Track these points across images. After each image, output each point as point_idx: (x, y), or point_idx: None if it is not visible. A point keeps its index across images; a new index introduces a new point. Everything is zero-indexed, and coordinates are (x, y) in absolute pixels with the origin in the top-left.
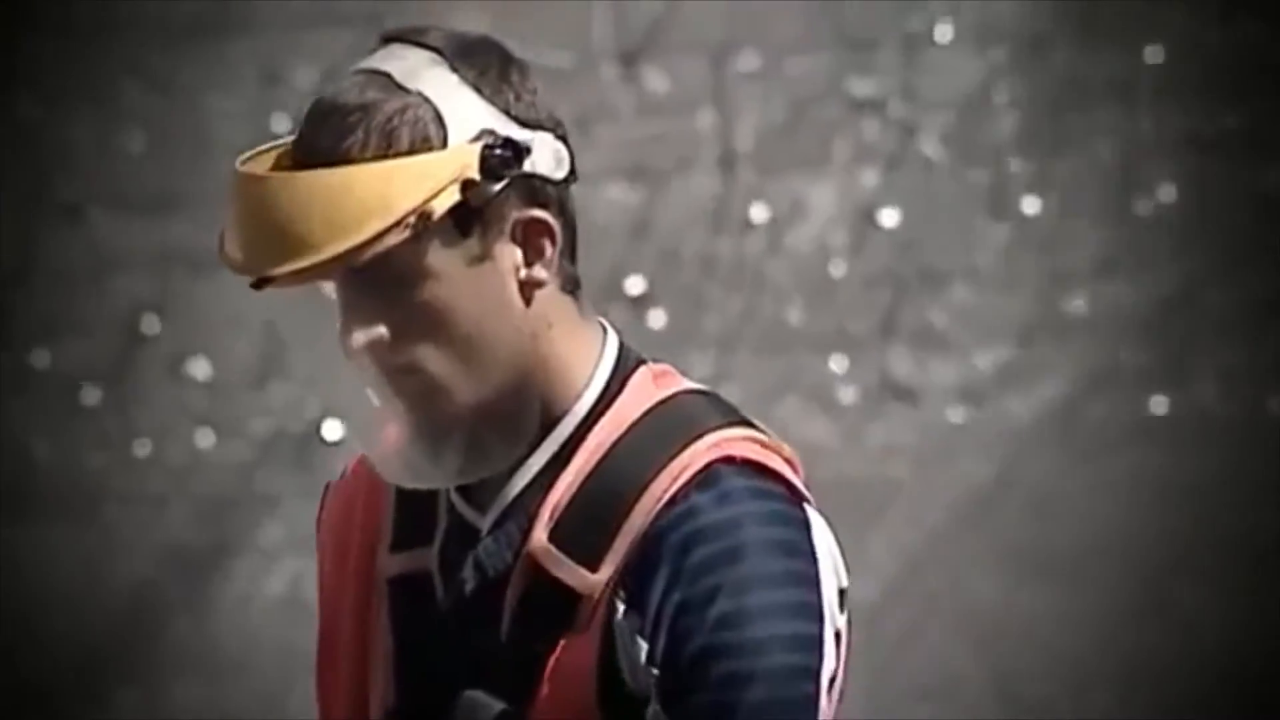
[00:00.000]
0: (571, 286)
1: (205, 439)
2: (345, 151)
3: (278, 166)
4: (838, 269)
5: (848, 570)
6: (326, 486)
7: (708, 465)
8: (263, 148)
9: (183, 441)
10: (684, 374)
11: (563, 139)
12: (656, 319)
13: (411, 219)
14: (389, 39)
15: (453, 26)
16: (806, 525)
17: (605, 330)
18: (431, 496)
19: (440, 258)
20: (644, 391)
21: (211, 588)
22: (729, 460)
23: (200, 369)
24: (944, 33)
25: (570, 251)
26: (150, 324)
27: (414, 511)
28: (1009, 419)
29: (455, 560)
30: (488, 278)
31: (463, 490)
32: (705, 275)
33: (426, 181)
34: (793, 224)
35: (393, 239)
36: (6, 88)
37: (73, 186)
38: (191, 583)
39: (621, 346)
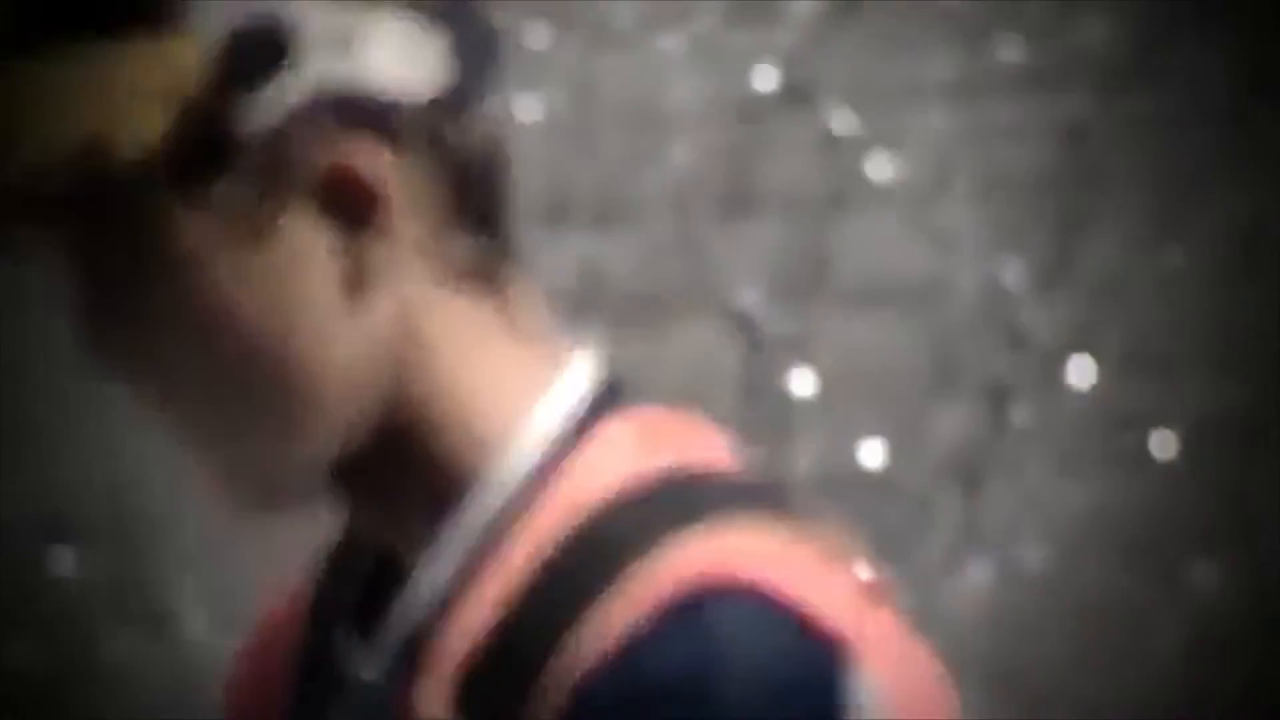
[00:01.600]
0: (473, 276)
1: None
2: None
3: None
4: None
5: None
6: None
7: (680, 582)
8: None
9: None
10: (712, 425)
11: (462, 23)
12: None
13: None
14: None
15: None
16: (831, 665)
17: (570, 353)
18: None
19: (175, 228)
20: (617, 456)
21: None
22: (714, 574)
23: None
24: None
25: (472, 214)
26: None
27: (320, 668)
28: None
29: None
30: (278, 262)
31: (358, 617)
32: None
33: (114, 93)
34: None
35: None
36: None
37: None
38: None
39: (599, 380)
